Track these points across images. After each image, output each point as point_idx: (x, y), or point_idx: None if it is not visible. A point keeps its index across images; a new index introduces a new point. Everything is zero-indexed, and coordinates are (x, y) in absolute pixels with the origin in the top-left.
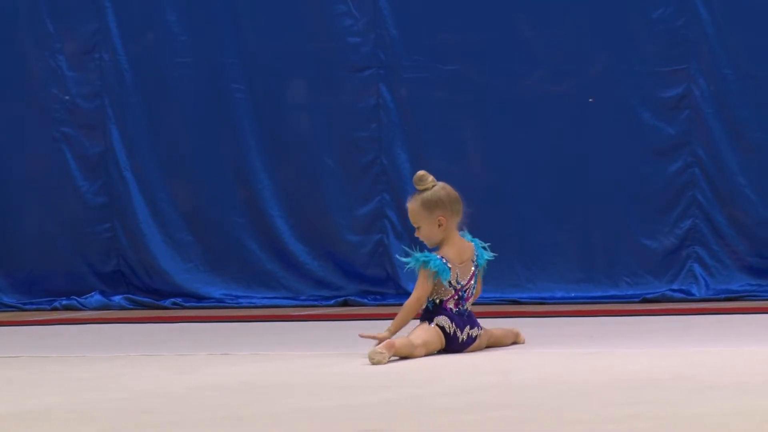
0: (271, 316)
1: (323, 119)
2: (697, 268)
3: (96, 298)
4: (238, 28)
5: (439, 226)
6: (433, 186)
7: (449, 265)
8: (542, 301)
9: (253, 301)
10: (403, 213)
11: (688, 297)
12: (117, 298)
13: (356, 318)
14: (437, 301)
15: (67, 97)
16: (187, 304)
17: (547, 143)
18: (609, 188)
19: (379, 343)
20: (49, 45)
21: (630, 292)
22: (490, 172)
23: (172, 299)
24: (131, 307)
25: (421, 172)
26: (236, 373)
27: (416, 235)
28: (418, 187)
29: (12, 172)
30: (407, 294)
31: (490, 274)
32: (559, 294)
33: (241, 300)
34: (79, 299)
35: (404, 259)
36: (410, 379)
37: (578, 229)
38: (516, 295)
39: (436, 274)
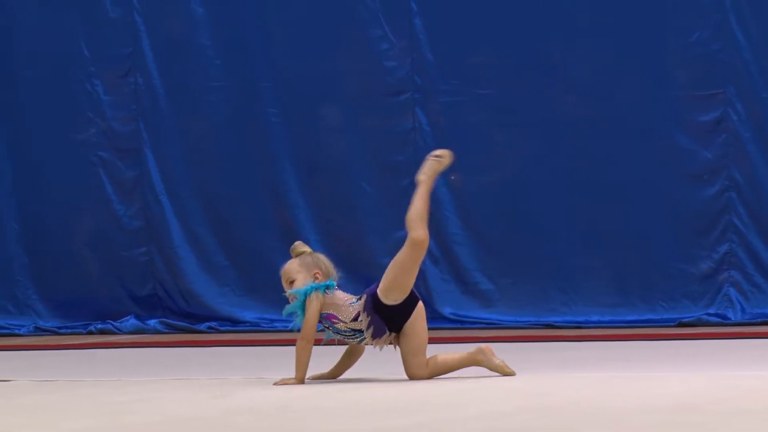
0: None
1: (359, 143)
2: (733, 292)
3: (131, 322)
4: (273, 52)
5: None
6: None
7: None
8: (578, 325)
9: (288, 324)
10: (438, 237)
11: (724, 321)
12: (152, 322)
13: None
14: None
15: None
16: (223, 328)
17: (583, 167)
18: (645, 212)
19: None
20: (85, 69)
21: (666, 316)
22: (525, 196)
23: (208, 323)
24: (166, 331)
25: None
26: (271, 397)
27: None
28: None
29: (49, 195)
30: (443, 318)
31: (526, 297)
32: (594, 318)
33: (276, 324)
34: (114, 323)
35: (288, 309)
36: (443, 403)
37: (614, 253)
38: (552, 319)
39: (322, 289)
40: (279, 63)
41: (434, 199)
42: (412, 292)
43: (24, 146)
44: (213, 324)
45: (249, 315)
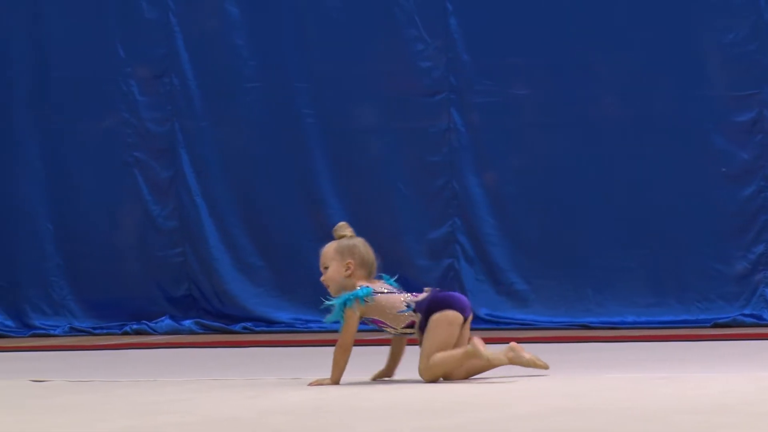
0: None
1: (394, 144)
2: None
3: (166, 322)
4: (308, 52)
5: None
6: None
7: (365, 285)
8: (613, 326)
9: (324, 325)
10: (473, 237)
11: (760, 322)
12: (187, 323)
13: None
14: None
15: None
16: (257, 329)
17: (618, 168)
18: (681, 213)
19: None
20: (121, 69)
21: (701, 317)
22: (560, 197)
23: (243, 324)
24: (201, 331)
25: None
26: (307, 398)
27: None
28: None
29: (84, 196)
30: (478, 319)
31: (561, 298)
32: (630, 318)
33: (311, 324)
34: (149, 324)
35: (329, 318)
36: (481, 403)
37: (649, 253)
38: (587, 320)
39: (361, 299)
40: (314, 64)
41: (469, 199)
42: (462, 308)
43: (58, 146)
44: (248, 324)
45: (284, 316)
